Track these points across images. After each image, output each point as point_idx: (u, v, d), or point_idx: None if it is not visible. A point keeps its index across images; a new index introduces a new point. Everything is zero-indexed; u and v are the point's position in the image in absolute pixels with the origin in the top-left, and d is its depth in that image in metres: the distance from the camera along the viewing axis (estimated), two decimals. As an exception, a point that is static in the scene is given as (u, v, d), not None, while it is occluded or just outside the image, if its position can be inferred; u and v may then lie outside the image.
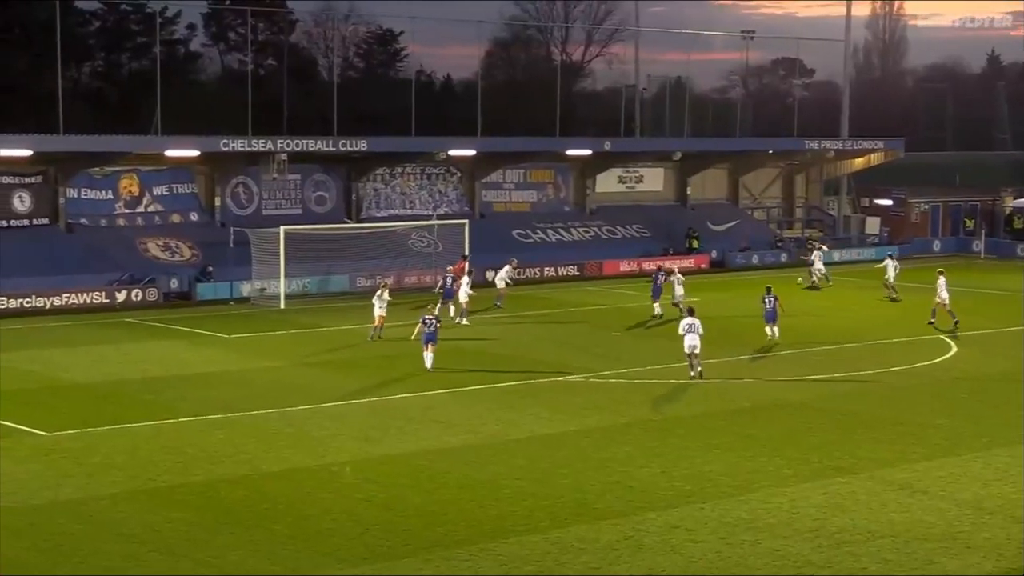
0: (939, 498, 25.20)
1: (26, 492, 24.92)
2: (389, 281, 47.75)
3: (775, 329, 43.45)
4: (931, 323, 47.18)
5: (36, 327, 46.68)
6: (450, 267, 51.73)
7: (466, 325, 46.92)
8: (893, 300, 54.80)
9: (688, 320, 37.29)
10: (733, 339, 44.20)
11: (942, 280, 47.64)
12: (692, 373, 37.01)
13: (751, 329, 44.91)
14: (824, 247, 63.27)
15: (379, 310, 43.56)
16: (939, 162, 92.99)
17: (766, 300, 43.74)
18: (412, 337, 39.07)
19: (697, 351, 36.85)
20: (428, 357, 37.89)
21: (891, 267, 56.51)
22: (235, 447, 28.62)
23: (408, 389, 35.32)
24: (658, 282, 49.98)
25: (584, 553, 21.84)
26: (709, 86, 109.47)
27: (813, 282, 58.66)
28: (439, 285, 49.99)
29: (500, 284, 52.09)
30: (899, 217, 79.72)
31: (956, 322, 46.64)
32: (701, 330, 37.01)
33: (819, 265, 59.84)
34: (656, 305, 49.43)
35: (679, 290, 49.25)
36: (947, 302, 47.15)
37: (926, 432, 30.76)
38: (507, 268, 52.76)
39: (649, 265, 65.22)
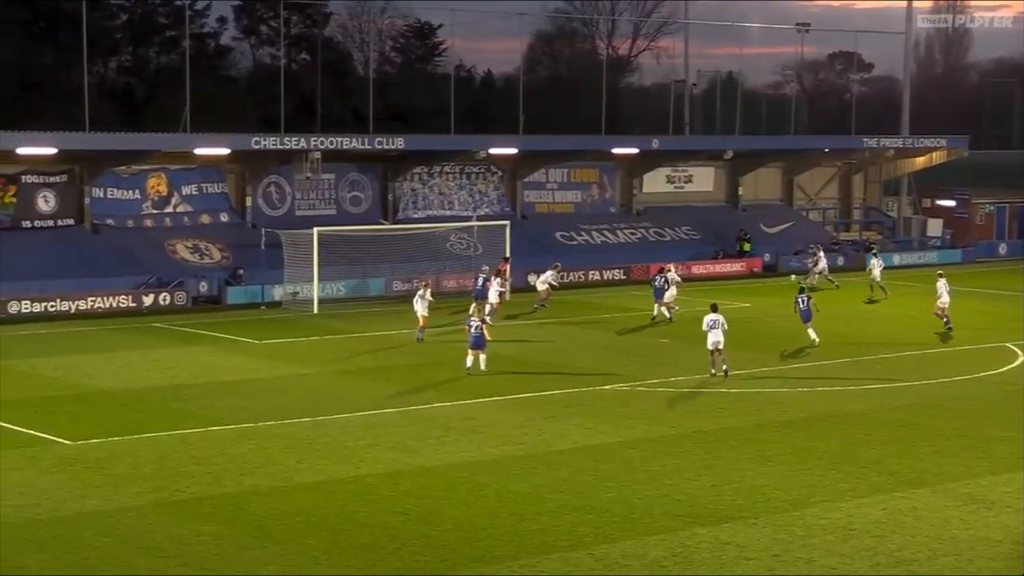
0: (1006, 514, 25.00)
1: (50, 503, 25.06)
2: (430, 280, 48.04)
3: (812, 331, 43.95)
4: (948, 327, 47.52)
5: (61, 332, 46.98)
6: (486, 266, 51.88)
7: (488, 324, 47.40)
8: (872, 302, 55.62)
9: (712, 316, 38.28)
10: (788, 347, 44.04)
11: (942, 283, 47.94)
12: (713, 371, 38.10)
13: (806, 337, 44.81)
14: (821, 250, 63.26)
15: (421, 310, 43.88)
16: (1005, 161, 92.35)
17: (799, 300, 44.21)
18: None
19: (721, 347, 37.92)
20: (470, 360, 38.69)
21: (876, 266, 57.09)
22: (266, 457, 28.71)
23: (447, 397, 35.35)
24: (657, 284, 50.27)
25: (630, 570, 21.79)
26: (762, 81, 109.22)
27: (812, 284, 59.03)
28: (475, 285, 50.30)
29: (542, 287, 52.26)
30: (962, 219, 79.22)
31: (948, 326, 47.32)
32: (726, 326, 37.98)
33: (822, 266, 60.93)
34: (656, 307, 49.87)
35: (672, 291, 50.06)
36: (946, 306, 47.53)
37: (992, 445, 30.54)
38: (550, 272, 52.85)
39: (699, 269, 65.30)
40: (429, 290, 45.18)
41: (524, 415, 33.23)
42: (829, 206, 78.55)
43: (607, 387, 37.11)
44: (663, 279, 50.12)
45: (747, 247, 68.92)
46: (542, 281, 52.50)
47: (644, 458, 28.90)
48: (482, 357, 38.77)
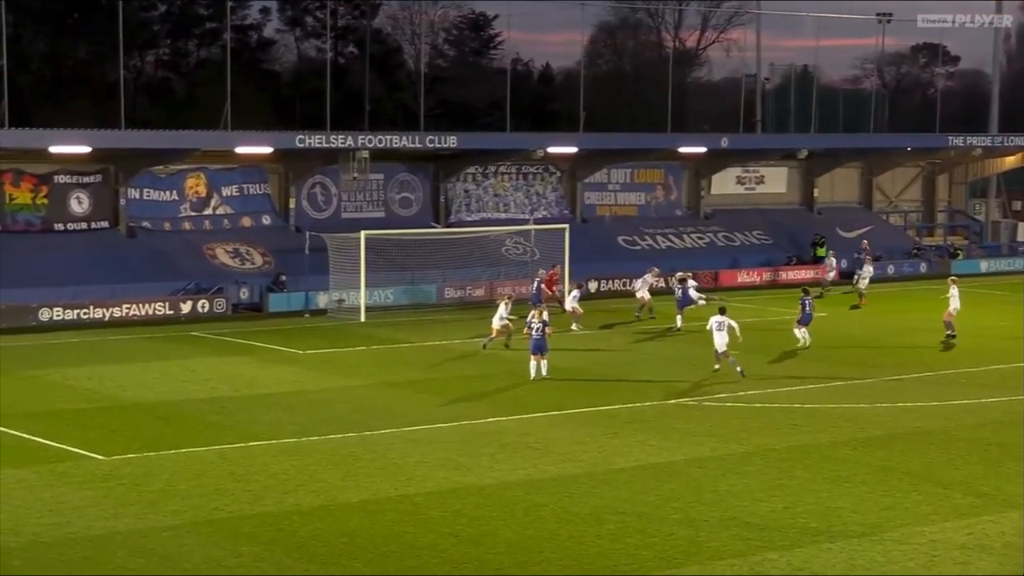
0: (1101, 540, 24.77)
1: (82, 522, 25.22)
2: (511, 292, 48.15)
3: (806, 333, 45.76)
4: (951, 335, 47.78)
5: (94, 340, 47.32)
6: (542, 270, 51.98)
7: (578, 332, 48.78)
8: (853, 307, 56.48)
9: (718, 318, 40.79)
10: (867, 360, 43.87)
11: (955, 290, 48.30)
12: (717, 367, 40.58)
13: (887, 349, 44.63)
14: (832, 257, 63.44)
15: (497, 323, 44.20)
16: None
17: (805, 302, 46.18)
18: (524, 331, 40.57)
19: (726, 348, 40.37)
20: (534, 366, 39.39)
21: (867, 271, 58.54)
22: (310, 475, 28.80)
23: (501, 412, 35.36)
24: (678, 294, 50.62)
25: (696, 597, 21.75)
26: (839, 76, 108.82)
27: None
28: (532, 290, 50.36)
29: (644, 295, 52.15)
30: (1056, 223, 78.66)
31: (951, 335, 47.70)
32: (733, 325, 40.70)
33: (831, 275, 62.01)
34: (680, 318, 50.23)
35: (693, 295, 50.57)
36: (954, 313, 47.89)
37: (1086, 466, 30.25)
38: (648, 276, 52.77)
39: (771, 275, 65.04)
40: (509, 304, 45.09)
41: (584, 431, 33.20)
42: (911, 209, 78.09)
43: (672, 401, 37.03)
44: (683, 289, 50.38)
45: (822, 252, 68.52)
46: (643, 290, 52.44)
47: (711, 477, 28.81)
48: (543, 362, 39.18)
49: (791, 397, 37.63)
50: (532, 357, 39.50)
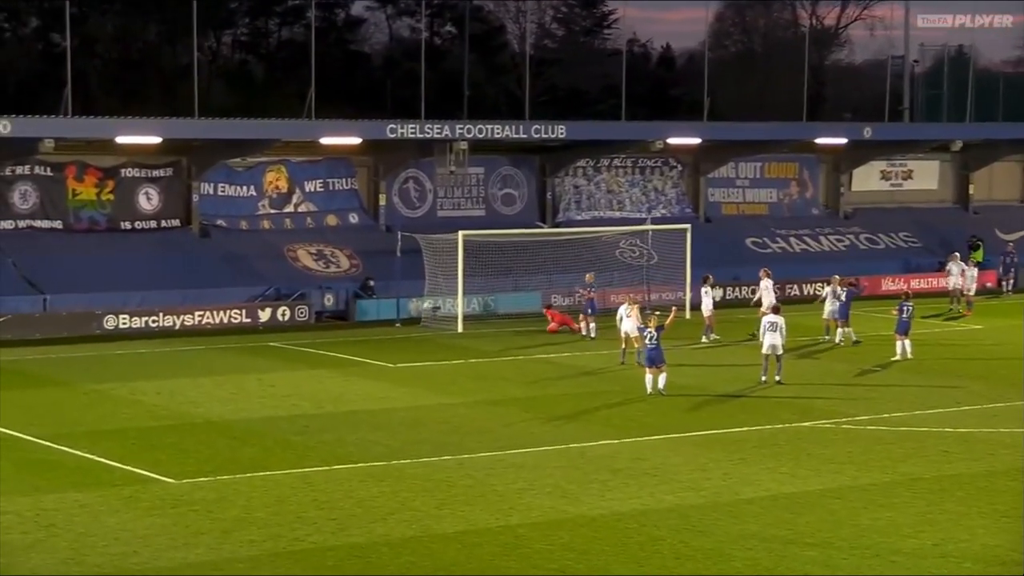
0: None
1: (150, 552, 25.46)
2: (637, 298, 48.04)
3: (906, 345, 46.05)
4: None
5: (164, 351, 47.83)
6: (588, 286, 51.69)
7: (715, 339, 49.98)
8: (953, 318, 56.62)
9: (771, 318, 41.91)
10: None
11: None
12: (764, 378, 41.39)
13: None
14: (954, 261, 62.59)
15: (627, 328, 44.27)
16: None
17: (904, 308, 46.33)
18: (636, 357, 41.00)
19: (779, 352, 41.41)
20: (649, 380, 39.50)
21: (970, 276, 57.76)
22: (400, 502, 28.92)
23: (613, 434, 35.33)
24: (844, 299, 50.29)
25: (833, 644, 21.61)
26: (999, 57, 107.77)
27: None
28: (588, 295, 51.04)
29: (770, 299, 51.53)
30: None
31: None
32: (785, 330, 41.65)
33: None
34: (842, 330, 49.95)
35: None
36: None
37: None
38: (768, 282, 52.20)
39: (919, 283, 64.42)
40: (635, 309, 44.88)
41: (706, 456, 33.09)
42: (1082, 208, 77.22)
43: (806, 424, 36.82)
44: (855, 291, 50.31)
45: (978, 257, 67.72)
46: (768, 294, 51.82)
47: (851, 510, 28.61)
48: (661, 376, 39.13)
49: (942, 420, 37.29)
50: (647, 370, 39.47)
